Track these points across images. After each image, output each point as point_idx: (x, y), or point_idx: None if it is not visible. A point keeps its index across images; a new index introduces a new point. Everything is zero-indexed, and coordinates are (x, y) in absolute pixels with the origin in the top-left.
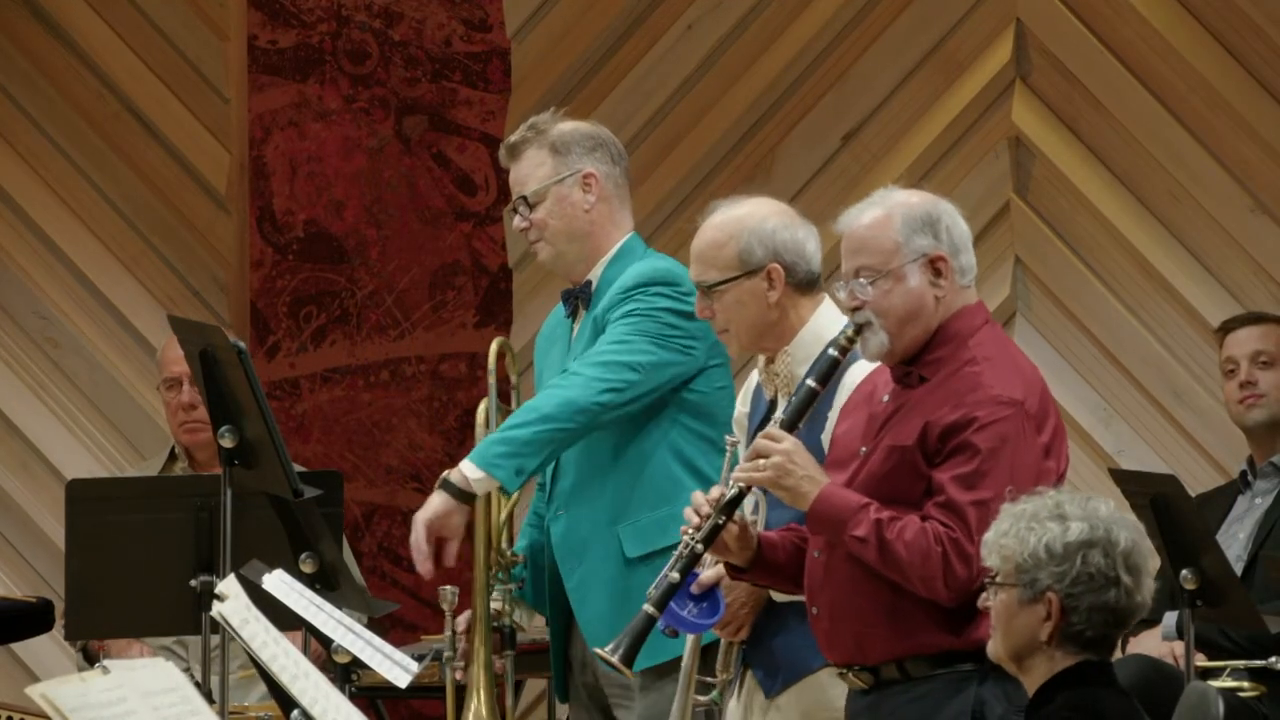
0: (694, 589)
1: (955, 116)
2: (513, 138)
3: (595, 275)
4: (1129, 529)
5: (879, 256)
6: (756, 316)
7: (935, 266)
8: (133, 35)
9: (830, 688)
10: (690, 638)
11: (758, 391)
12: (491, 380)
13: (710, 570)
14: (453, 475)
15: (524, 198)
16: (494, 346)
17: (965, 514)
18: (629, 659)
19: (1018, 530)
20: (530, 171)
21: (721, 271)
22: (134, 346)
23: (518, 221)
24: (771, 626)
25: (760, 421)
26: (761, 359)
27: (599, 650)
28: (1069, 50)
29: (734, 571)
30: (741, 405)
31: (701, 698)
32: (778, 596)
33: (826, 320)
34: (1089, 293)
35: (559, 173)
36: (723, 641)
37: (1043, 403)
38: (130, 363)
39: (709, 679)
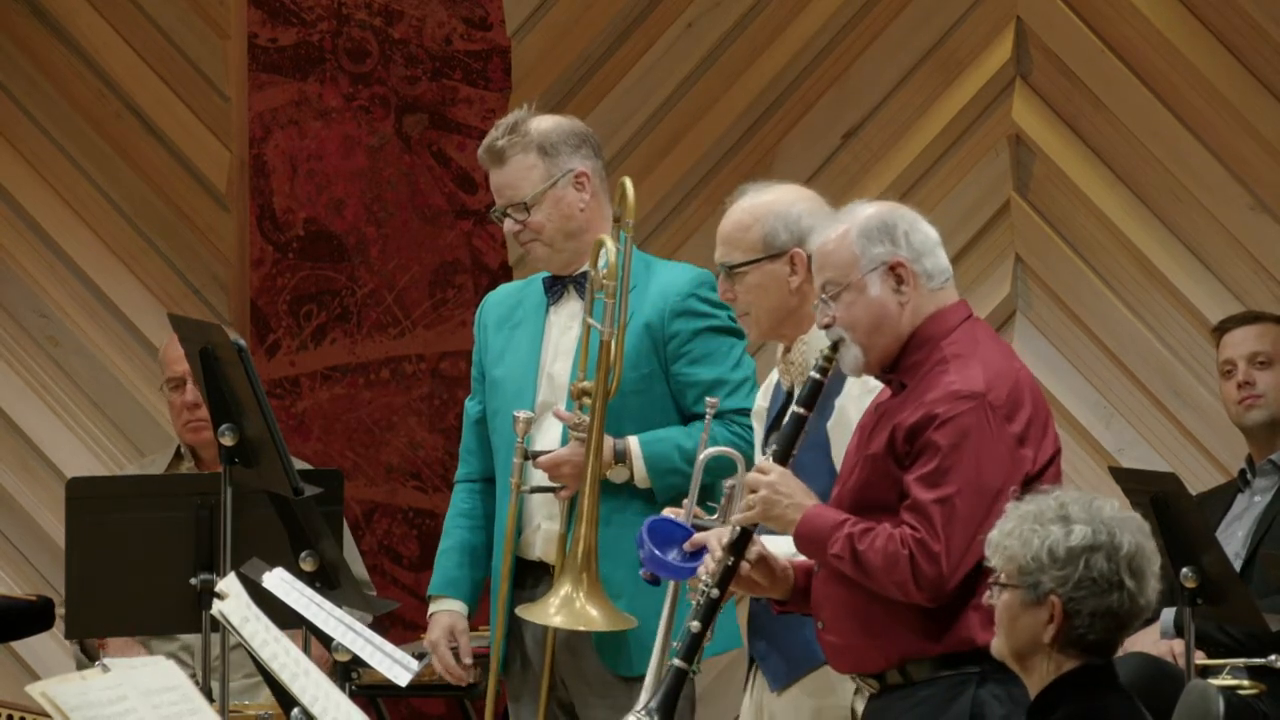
0: (686, 547)
1: (955, 115)
2: (496, 142)
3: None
4: (1133, 531)
5: (839, 270)
6: (777, 301)
7: (896, 273)
8: (133, 34)
9: (839, 683)
10: (671, 585)
11: (778, 386)
12: (629, 220)
13: (706, 533)
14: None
15: (523, 203)
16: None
17: (929, 513)
18: (666, 716)
19: (1021, 532)
20: (522, 176)
21: (745, 253)
22: (135, 345)
23: (509, 225)
24: (777, 621)
25: (778, 413)
26: (780, 349)
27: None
28: (1069, 49)
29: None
30: (762, 399)
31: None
32: None
33: None
34: (1089, 292)
35: (552, 175)
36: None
37: (1014, 392)
38: (131, 361)
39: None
